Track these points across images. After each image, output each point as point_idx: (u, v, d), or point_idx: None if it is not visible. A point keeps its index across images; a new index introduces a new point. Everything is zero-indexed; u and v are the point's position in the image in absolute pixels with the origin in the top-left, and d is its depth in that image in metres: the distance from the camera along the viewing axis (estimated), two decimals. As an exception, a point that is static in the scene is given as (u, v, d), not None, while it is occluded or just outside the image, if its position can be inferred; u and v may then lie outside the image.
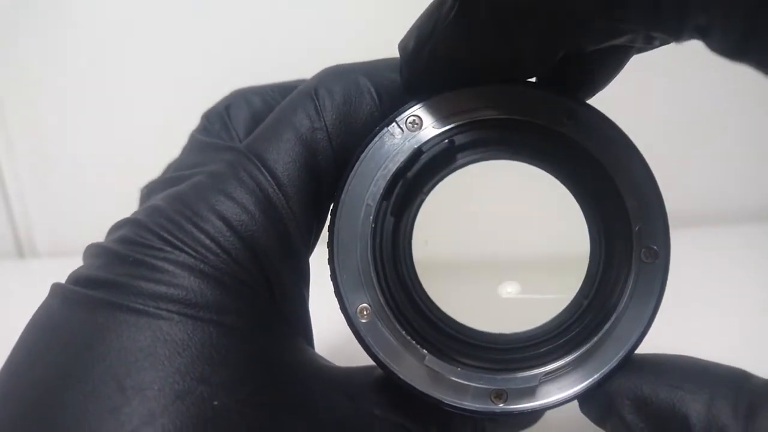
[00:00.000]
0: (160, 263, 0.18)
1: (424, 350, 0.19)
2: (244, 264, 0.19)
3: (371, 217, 0.19)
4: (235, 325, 0.18)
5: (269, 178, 0.20)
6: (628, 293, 0.19)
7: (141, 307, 0.17)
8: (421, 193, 0.19)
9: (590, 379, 0.19)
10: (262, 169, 0.20)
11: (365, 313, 0.19)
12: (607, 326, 0.19)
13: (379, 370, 0.20)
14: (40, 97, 0.55)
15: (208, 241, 0.19)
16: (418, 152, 0.19)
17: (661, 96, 0.55)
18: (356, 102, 0.21)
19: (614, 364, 0.19)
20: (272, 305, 0.20)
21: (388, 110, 0.20)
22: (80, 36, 0.53)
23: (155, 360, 0.16)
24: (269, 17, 0.53)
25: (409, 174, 0.19)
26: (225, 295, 0.18)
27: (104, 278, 0.18)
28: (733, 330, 0.40)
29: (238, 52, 0.53)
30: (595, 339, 0.19)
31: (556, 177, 0.20)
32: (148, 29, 0.53)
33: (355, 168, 0.20)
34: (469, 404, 0.19)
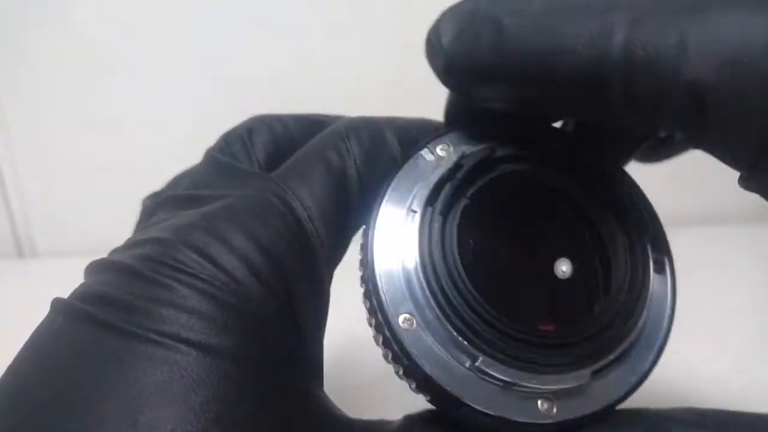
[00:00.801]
0: (183, 289, 0.17)
1: (477, 351, 0.18)
2: (274, 289, 0.18)
3: (419, 220, 0.19)
4: (256, 360, 0.17)
5: (302, 207, 0.20)
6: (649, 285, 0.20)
7: (159, 339, 0.16)
8: (464, 197, 0.20)
9: (636, 376, 0.19)
10: (295, 198, 0.20)
11: (409, 322, 0.18)
12: (640, 322, 0.19)
13: (398, 422, 0.19)
14: (40, 97, 0.55)
15: (239, 265, 0.18)
16: (458, 165, 0.20)
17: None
18: (381, 147, 0.22)
19: (653, 358, 0.20)
20: (295, 342, 0.19)
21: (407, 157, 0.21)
22: (81, 36, 0.53)
23: (170, 397, 0.15)
24: (268, 22, 0.53)
25: (454, 179, 0.20)
26: (247, 328, 0.17)
27: (119, 298, 0.17)
28: (733, 331, 0.40)
29: (238, 55, 0.53)
30: (632, 335, 0.19)
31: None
32: (150, 30, 0.53)
33: (391, 184, 0.20)
34: (523, 417, 0.18)
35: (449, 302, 0.18)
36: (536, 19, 0.16)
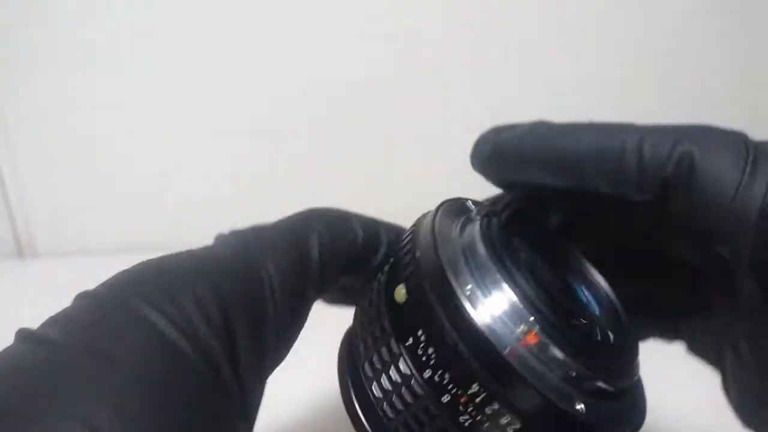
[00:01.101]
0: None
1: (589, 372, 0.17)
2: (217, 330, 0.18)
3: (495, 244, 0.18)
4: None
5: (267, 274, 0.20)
6: None
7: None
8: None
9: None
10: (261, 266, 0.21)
11: (529, 340, 0.17)
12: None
13: None
14: (40, 97, 0.55)
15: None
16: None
17: (661, 95, 0.55)
18: (344, 228, 0.23)
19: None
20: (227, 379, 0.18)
21: (368, 245, 0.23)
22: (81, 36, 0.53)
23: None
24: (267, 22, 0.53)
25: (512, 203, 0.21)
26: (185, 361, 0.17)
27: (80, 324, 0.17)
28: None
29: (239, 56, 0.53)
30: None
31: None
32: (149, 30, 0.53)
33: (437, 223, 0.19)
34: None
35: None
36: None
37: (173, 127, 0.55)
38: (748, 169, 0.17)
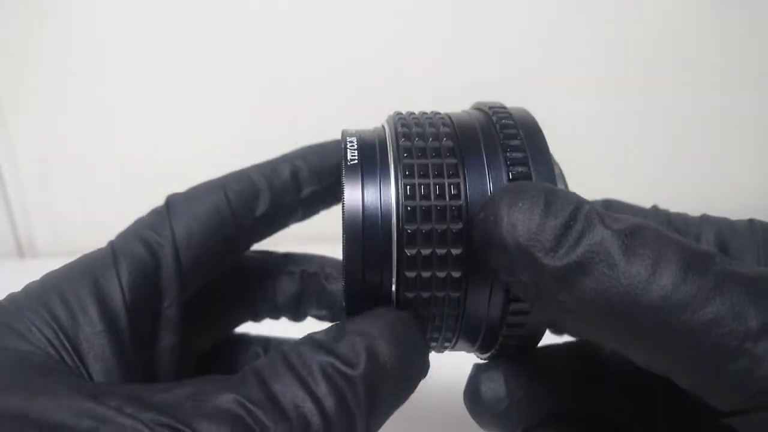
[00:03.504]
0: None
1: None
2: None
3: None
4: None
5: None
6: None
7: None
8: None
9: None
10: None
11: None
12: None
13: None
14: (40, 98, 0.55)
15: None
16: None
17: (662, 94, 0.55)
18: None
19: None
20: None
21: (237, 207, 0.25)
22: (81, 36, 0.53)
23: None
24: (267, 18, 0.53)
25: None
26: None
27: None
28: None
29: (239, 56, 0.53)
30: None
31: None
32: (149, 30, 0.53)
33: None
34: None
35: None
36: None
37: (173, 127, 0.55)
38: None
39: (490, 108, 0.22)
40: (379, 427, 0.19)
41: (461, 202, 0.19)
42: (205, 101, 0.54)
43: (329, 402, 0.17)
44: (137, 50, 0.53)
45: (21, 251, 0.60)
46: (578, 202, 0.17)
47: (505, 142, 0.20)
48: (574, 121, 0.54)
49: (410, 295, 0.20)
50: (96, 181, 0.57)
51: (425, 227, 0.19)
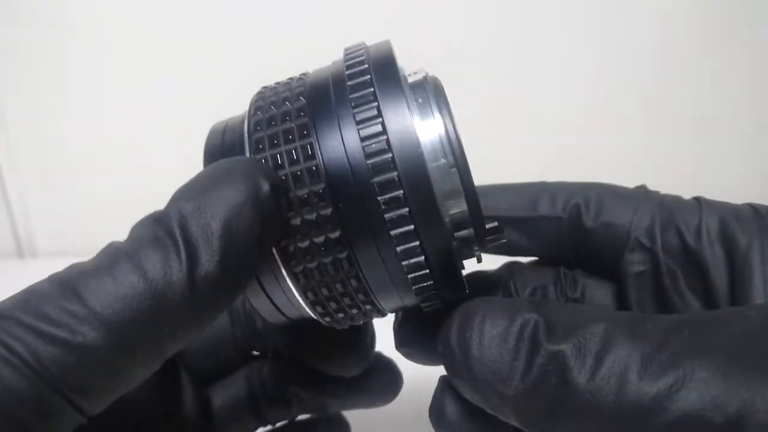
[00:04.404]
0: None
1: None
2: None
3: None
4: None
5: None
6: None
7: None
8: None
9: None
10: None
11: None
12: None
13: None
14: (40, 98, 0.55)
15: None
16: None
17: (662, 93, 0.55)
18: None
19: None
20: None
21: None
22: (80, 36, 0.53)
23: None
24: (267, 15, 0.53)
25: None
26: None
27: None
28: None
29: (239, 53, 0.53)
30: None
31: None
32: (149, 30, 0.53)
33: None
34: None
35: None
36: None
37: (174, 127, 0.55)
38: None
39: (346, 50, 0.21)
40: None
41: (316, 161, 0.19)
42: (205, 102, 0.54)
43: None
44: (137, 51, 0.53)
45: (21, 251, 0.60)
46: (524, 321, 0.18)
47: (352, 83, 0.19)
48: (568, 115, 0.54)
49: (298, 269, 0.19)
50: (96, 182, 0.57)
51: (287, 196, 0.19)
